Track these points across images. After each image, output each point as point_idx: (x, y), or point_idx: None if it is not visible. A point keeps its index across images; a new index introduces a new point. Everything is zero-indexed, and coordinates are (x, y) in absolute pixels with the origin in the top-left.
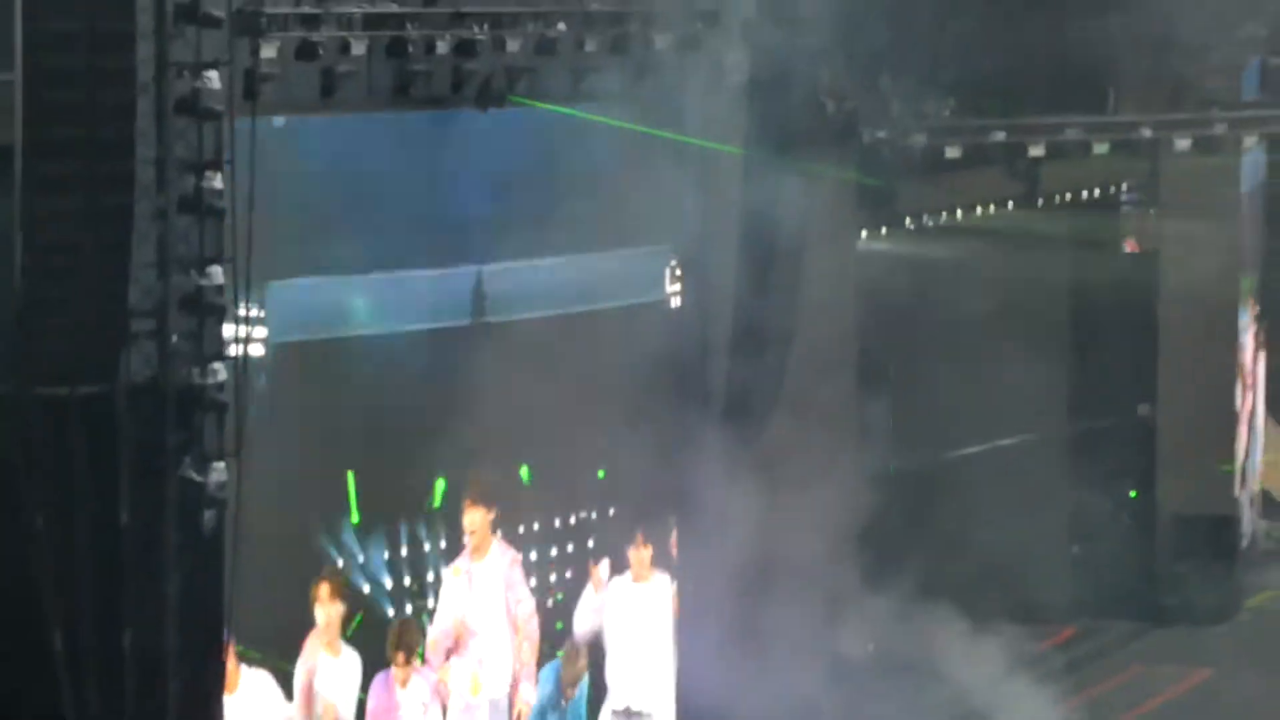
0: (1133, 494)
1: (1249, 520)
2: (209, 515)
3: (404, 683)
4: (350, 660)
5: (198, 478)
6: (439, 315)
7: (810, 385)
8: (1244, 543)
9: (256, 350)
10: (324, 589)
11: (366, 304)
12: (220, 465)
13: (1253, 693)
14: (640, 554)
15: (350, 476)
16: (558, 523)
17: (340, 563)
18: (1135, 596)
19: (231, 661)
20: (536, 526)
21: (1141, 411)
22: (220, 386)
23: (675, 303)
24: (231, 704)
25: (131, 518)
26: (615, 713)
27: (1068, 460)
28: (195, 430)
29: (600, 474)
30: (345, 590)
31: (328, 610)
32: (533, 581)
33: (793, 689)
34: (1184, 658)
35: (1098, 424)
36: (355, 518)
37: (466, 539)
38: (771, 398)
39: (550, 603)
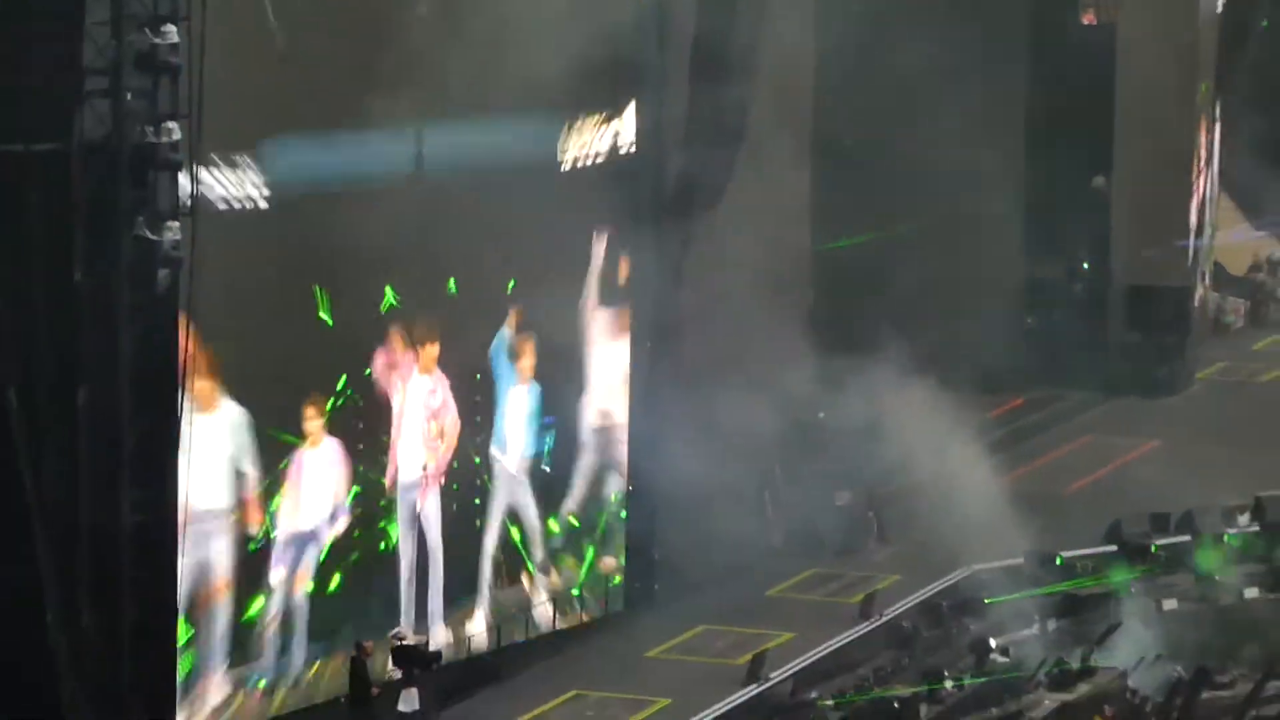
0: (1086, 265)
1: (1201, 293)
2: (163, 274)
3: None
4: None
5: (152, 236)
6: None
7: (764, 162)
8: (1196, 315)
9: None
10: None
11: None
12: (174, 224)
13: (1201, 463)
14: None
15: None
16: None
17: None
18: (1087, 367)
19: (207, 384)
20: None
21: (1096, 182)
22: (174, 145)
23: None
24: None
25: (86, 275)
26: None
27: (1022, 230)
28: (149, 189)
29: None
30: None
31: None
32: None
33: (740, 451)
34: (1135, 428)
35: (1052, 194)
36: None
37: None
38: (723, 178)
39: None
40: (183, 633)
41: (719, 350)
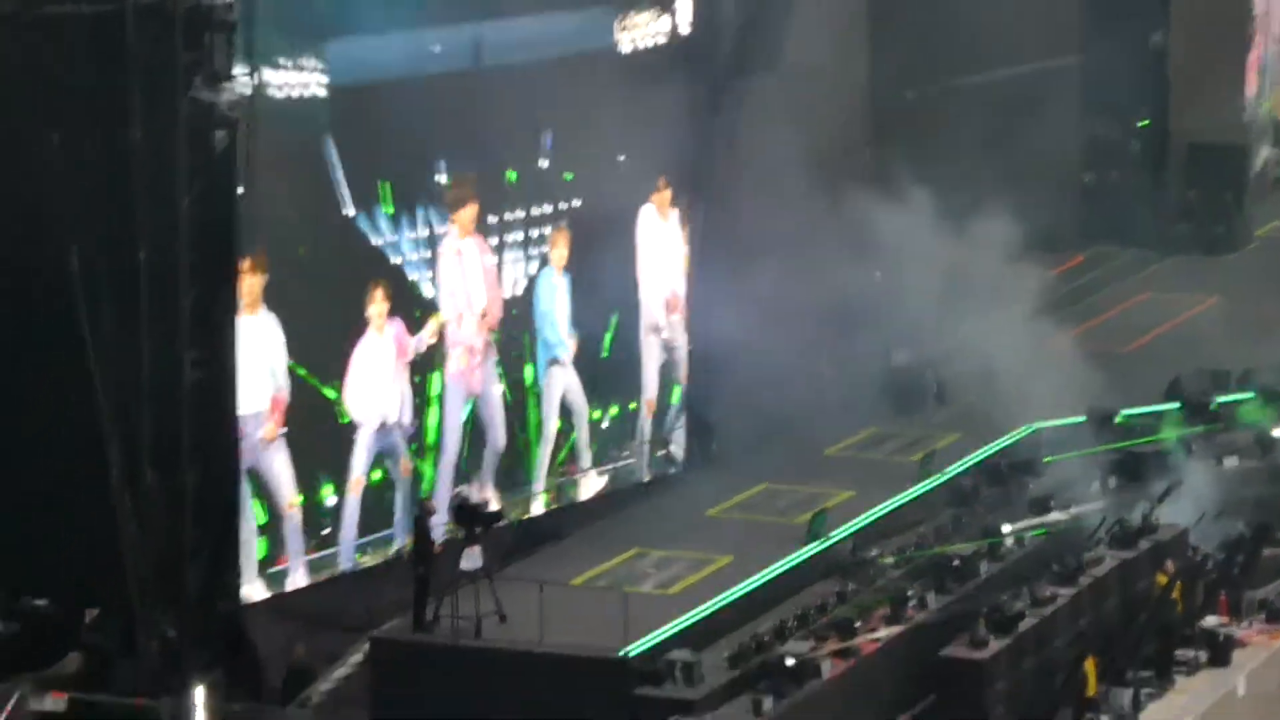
0: (1144, 122)
1: (1261, 150)
2: (220, 135)
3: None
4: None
5: (208, 97)
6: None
7: (821, 21)
8: (1254, 172)
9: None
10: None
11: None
12: (230, 85)
13: (1259, 319)
14: (662, 195)
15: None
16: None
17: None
18: (1146, 225)
19: (255, 281)
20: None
21: (1154, 39)
22: (229, 6)
23: None
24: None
25: (143, 137)
26: (646, 326)
27: (1080, 87)
28: (205, 50)
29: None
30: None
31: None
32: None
33: (798, 313)
34: (1193, 285)
35: (1110, 51)
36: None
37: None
38: (779, 37)
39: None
40: (259, 515)
41: (776, 214)
